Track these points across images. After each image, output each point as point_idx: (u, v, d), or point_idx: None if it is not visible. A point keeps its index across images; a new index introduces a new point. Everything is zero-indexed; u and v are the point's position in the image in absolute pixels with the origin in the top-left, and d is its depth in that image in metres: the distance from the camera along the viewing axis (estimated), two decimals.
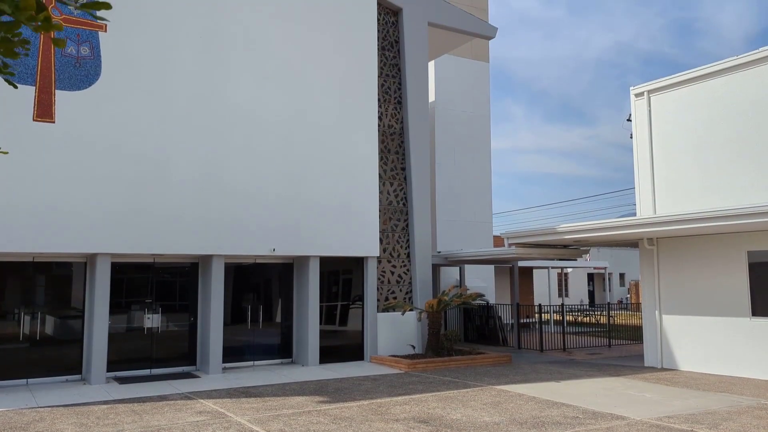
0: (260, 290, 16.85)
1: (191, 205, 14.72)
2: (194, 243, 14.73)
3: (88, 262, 14.39)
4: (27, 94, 13.03)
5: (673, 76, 16.40)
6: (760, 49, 14.58)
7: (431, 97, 25.23)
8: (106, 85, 13.89)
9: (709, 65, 15.69)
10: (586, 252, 20.39)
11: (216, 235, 14.97)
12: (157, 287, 15.21)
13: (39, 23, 2.62)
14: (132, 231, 13.97)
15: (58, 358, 14.01)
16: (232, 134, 15.44)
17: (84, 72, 13.69)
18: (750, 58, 14.79)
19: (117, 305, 14.55)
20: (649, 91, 16.84)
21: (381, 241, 17.83)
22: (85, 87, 13.68)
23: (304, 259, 16.64)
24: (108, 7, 2.71)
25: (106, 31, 13.89)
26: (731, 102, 15.20)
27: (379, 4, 18.59)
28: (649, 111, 16.86)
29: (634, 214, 17.92)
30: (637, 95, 17.16)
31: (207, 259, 15.34)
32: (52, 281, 14.37)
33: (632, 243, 18.88)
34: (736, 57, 15.10)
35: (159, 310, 15.12)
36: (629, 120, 21.82)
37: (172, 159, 14.57)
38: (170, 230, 14.41)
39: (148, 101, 14.40)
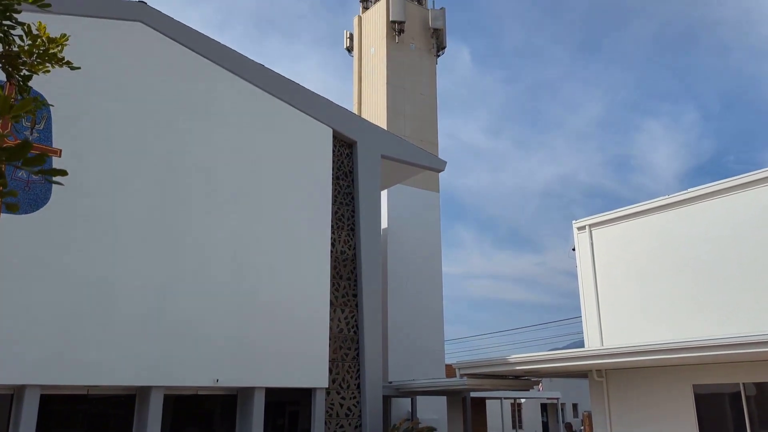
0: (201, 425, 15.91)
1: (132, 334, 14.18)
2: (132, 374, 14.02)
3: (15, 394, 13.44)
4: None
5: (612, 211, 17.30)
6: (689, 189, 15.64)
7: (384, 224, 25.76)
8: (55, 210, 13.74)
9: (644, 203, 16.66)
10: (538, 383, 20.23)
11: (156, 365, 14.32)
12: (90, 421, 14.21)
13: None
14: (65, 361, 13.25)
15: None
16: (181, 263, 15.25)
17: (33, 196, 13.57)
18: (680, 198, 15.80)
19: None
20: (591, 225, 17.63)
21: (330, 371, 17.35)
22: (32, 211, 13.49)
23: (249, 391, 15.95)
24: (65, 173, 2.76)
25: (60, 156, 13.96)
26: (667, 238, 16.01)
27: (335, 137, 19.38)
28: (592, 244, 17.55)
29: (583, 343, 18.09)
30: (579, 229, 17.92)
31: (145, 390, 14.55)
32: None
33: (582, 374, 18.88)
34: (668, 196, 16.12)
35: None
36: (573, 250, 22.62)
37: (115, 287, 14.20)
38: (107, 360, 13.73)
39: (97, 228, 14.24)
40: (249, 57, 17.88)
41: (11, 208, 2.88)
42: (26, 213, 13.43)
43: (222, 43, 17.51)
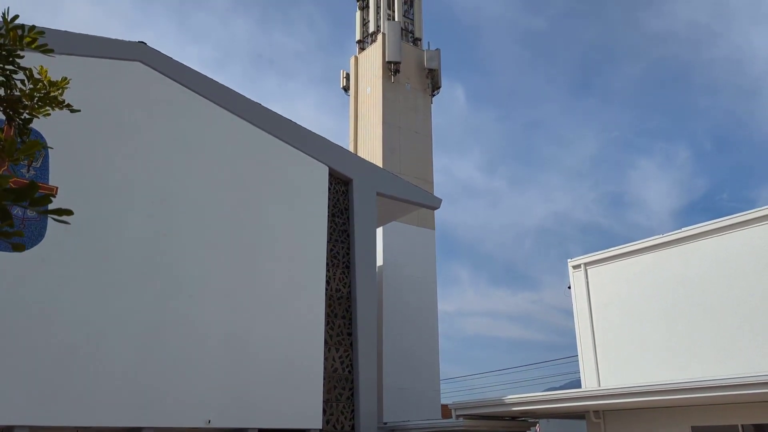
0: None
1: (124, 373, 13.98)
2: (123, 414, 13.78)
3: None
4: None
5: (607, 250, 17.34)
6: (683, 228, 15.73)
7: (379, 262, 25.71)
8: (48, 248, 13.69)
9: (639, 242, 16.72)
10: (535, 423, 19.95)
11: (147, 405, 14.09)
12: None
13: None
14: (55, 401, 13.03)
15: None
16: (174, 301, 15.15)
17: (28, 233, 13.53)
18: (675, 237, 15.87)
19: None
20: (586, 264, 17.65)
21: (324, 411, 17.09)
22: (26, 249, 13.44)
23: None
24: (71, 213, 2.77)
25: (56, 195, 13.95)
26: (662, 276, 16.03)
27: (331, 174, 19.49)
28: (587, 282, 17.54)
29: (580, 383, 17.91)
30: (574, 267, 17.93)
31: (137, 431, 14.27)
32: None
33: (580, 415, 18.64)
34: (662, 235, 16.20)
35: None
36: (569, 288, 22.56)
37: (107, 325, 14.06)
38: (98, 400, 13.51)
39: (90, 266, 14.17)
40: (246, 95, 18.11)
41: (17, 248, 2.88)
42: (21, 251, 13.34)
43: (219, 81, 17.75)
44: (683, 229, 15.75)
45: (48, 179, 13.86)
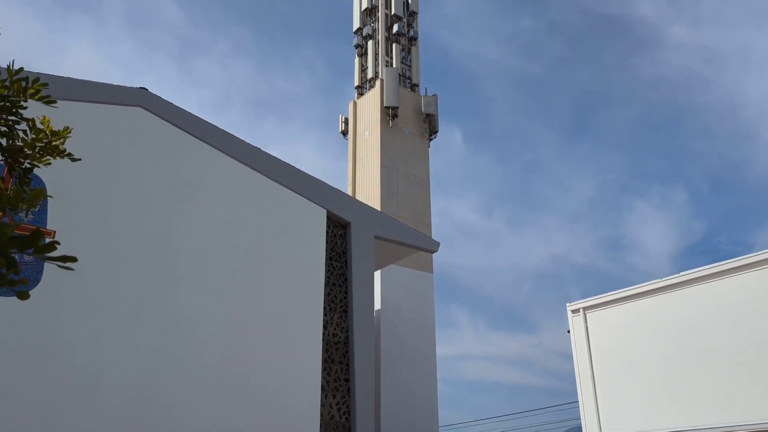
0: None
1: (118, 417, 13.71)
2: None
3: None
4: None
5: (606, 294, 17.28)
6: (682, 273, 15.72)
7: (377, 306, 25.55)
8: (44, 291, 13.59)
9: (638, 286, 16.68)
10: None
11: None
12: None
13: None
14: None
15: None
16: (169, 346, 14.98)
17: (24, 276, 13.44)
18: (674, 281, 15.84)
19: None
20: (585, 308, 17.56)
21: None
22: (31, 288, 13.32)
23: None
24: (75, 260, 2.76)
25: (54, 237, 13.96)
26: (662, 321, 15.93)
27: (329, 218, 19.53)
28: (586, 327, 17.42)
29: (581, 430, 17.61)
30: (573, 312, 17.84)
31: None
32: None
33: None
34: (661, 279, 16.17)
35: None
36: (569, 332, 22.39)
37: (102, 369, 13.86)
38: None
39: (86, 309, 14.06)
40: (245, 139, 18.30)
41: (22, 297, 2.86)
42: (15, 295, 13.25)
43: (219, 125, 17.96)
44: (682, 273, 15.74)
45: (46, 223, 13.87)
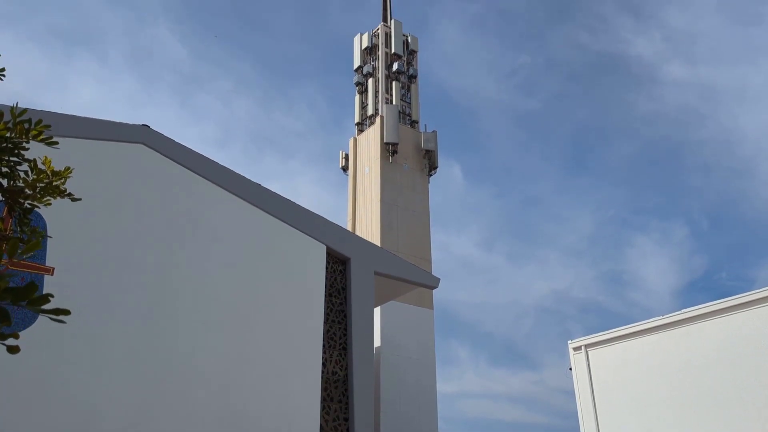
0: None
1: None
2: None
3: None
4: None
5: (608, 332, 17.13)
6: (683, 310, 15.61)
7: (377, 343, 25.31)
8: (41, 329, 13.46)
9: (640, 323, 16.55)
10: None
11: None
12: None
13: None
14: None
15: None
16: (167, 383, 14.78)
17: (20, 316, 13.35)
18: (676, 318, 15.72)
19: None
20: (587, 346, 17.39)
21: None
22: (18, 330, 13.21)
23: None
24: (68, 313, 2.74)
25: (53, 274, 13.91)
26: (664, 359, 15.75)
27: (328, 253, 19.47)
28: (588, 365, 17.22)
29: None
30: (575, 349, 17.66)
31: None
32: None
33: None
34: (663, 317, 16.05)
35: None
36: (570, 369, 22.11)
37: (99, 408, 13.65)
38: None
39: (83, 348, 13.90)
40: (246, 174, 18.38)
41: (12, 351, 2.82)
42: (10, 332, 13.13)
43: (220, 161, 18.05)
44: (684, 310, 15.64)
45: (45, 259, 13.83)
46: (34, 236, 4.85)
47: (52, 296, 2.59)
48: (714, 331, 15.15)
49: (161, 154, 16.85)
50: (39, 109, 14.82)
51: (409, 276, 21.47)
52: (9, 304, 2.57)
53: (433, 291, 28.37)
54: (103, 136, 15.96)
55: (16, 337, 2.74)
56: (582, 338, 17.53)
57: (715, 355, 15.00)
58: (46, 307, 2.58)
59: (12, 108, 4.30)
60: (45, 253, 13.96)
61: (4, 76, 4.39)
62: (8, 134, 4.24)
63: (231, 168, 18.29)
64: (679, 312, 15.57)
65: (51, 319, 2.77)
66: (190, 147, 17.74)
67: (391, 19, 35.18)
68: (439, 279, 22.44)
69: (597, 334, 17.18)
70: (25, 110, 4.30)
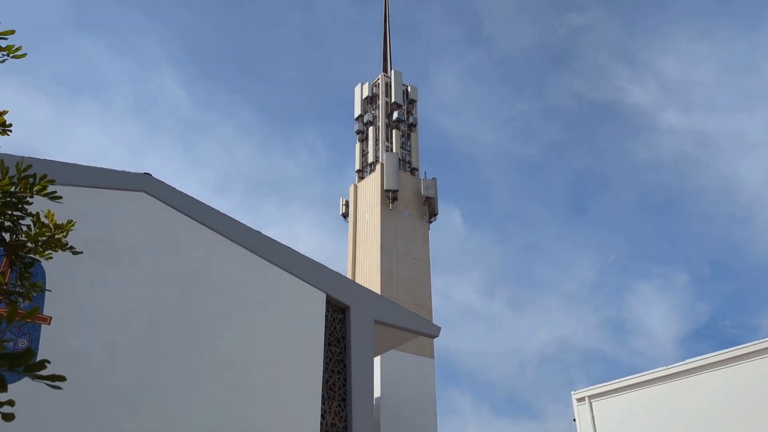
0: None
1: None
2: None
3: None
4: None
5: (611, 382, 16.88)
6: (687, 360, 15.42)
7: (377, 393, 24.88)
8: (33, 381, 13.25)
9: (644, 373, 16.31)
10: None
11: None
12: None
13: None
14: None
15: None
16: None
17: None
18: (679, 369, 15.50)
19: None
20: (590, 397, 17.10)
21: None
22: (13, 382, 13.00)
23: None
24: (63, 379, 2.71)
25: (50, 324, 13.78)
26: (669, 410, 15.46)
27: (328, 301, 19.33)
28: (592, 416, 16.89)
29: None
30: (579, 400, 17.36)
31: None
32: None
33: None
34: (667, 367, 15.83)
35: None
36: (574, 420, 21.68)
37: None
38: None
39: (79, 397, 13.65)
40: (246, 219, 18.42)
41: (7, 419, 2.77)
42: (9, 382, 12.92)
43: (220, 206, 18.12)
44: (689, 360, 15.45)
45: (43, 309, 13.72)
46: (34, 290, 4.83)
47: (48, 362, 2.57)
48: (719, 382, 14.91)
49: (162, 202, 16.92)
50: (42, 157, 14.97)
51: (409, 325, 21.26)
52: (5, 369, 2.54)
53: (434, 343, 28.07)
54: (106, 185, 16.06)
55: (12, 404, 2.70)
56: (586, 389, 17.24)
57: (720, 406, 14.72)
58: (42, 373, 2.56)
59: (18, 163, 4.34)
60: (43, 303, 13.86)
61: (10, 131, 4.45)
62: (13, 189, 4.27)
63: (231, 213, 18.37)
64: (684, 362, 15.36)
65: (47, 385, 2.73)
66: (192, 193, 17.86)
67: (391, 69, 35.86)
68: (440, 328, 22.22)
69: (601, 385, 16.91)
70: (30, 165, 4.33)
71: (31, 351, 2.42)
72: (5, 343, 3.38)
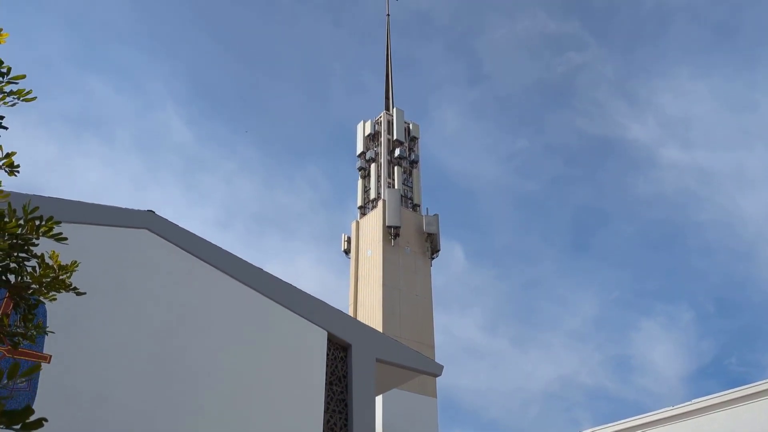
0: None
1: None
2: None
3: None
4: None
5: (616, 423, 16.62)
6: (693, 400, 15.21)
7: None
8: (36, 416, 13.07)
9: (650, 414, 16.07)
10: None
11: None
12: None
13: None
14: None
15: None
16: None
17: (16, 404, 13.00)
18: (685, 410, 15.28)
19: None
20: None
21: None
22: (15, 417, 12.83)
23: None
24: (40, 425, 2.70)
25: (49, 362, 13.66)
26: None
27: (329, 339, 19.17)
28: None
29: None
30: None
31: None
32: None
33: None
34: (673, 407, 15.61)
35: None
36: None
37: None
38: None
39: None
40: (247, 254, 18.40)
41: None
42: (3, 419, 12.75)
43: (222, 241, 18.12)
44: (695, 400, 15.23)
45: (43, 347, 13.62)
46: (36, 332, 4.82)
47: (46, 420, 2.55)
48: (726, 422, 14.66)
49: (165, 239, 16.94)
50: (45, 195, 15.06)
51: (411, 363, 21.03)
52: (2, 427, 2.55)
53: (437, 382, 27.74)
54: (108, 222, 16.11)
55: None
56: (590, 429, 16.96)
57: None
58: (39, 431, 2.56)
59: (24, 205, 4.38)
60: (43, 340, 13.77)
61: (18, 172, 4.50)
62: (19, 231, 4.30)
63: (233, 249, 18.37)
64: (690, 402, 15.14)
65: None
66: (194, 228, 17.89)
67: (393, 107, 36.28)
68: (442, 367, 21.97)
69: (606, 426, 16.63)
70: (36, 207, 4.37)
71: (30, 409, 2.42)
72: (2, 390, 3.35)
